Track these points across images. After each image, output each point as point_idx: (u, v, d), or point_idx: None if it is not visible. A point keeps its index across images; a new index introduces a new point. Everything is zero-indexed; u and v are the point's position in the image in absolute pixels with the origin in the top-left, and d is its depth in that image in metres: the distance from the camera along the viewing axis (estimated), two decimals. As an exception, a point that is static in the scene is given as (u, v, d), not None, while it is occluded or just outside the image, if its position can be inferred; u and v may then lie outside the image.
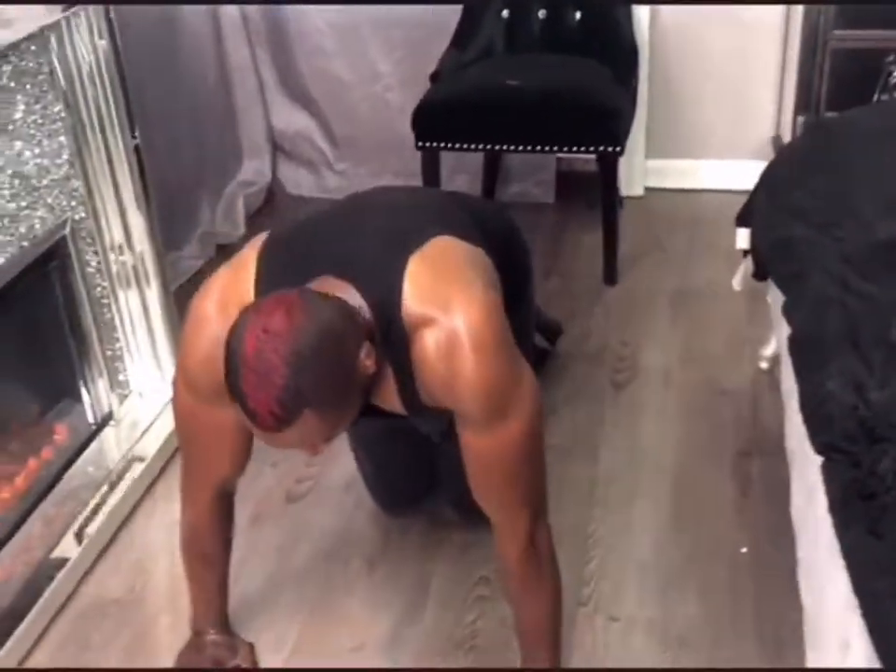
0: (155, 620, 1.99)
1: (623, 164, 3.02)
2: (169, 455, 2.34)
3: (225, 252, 3.30)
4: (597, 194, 2.98)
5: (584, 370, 2.62)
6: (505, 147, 2.88)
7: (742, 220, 2.32)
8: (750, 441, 2.33)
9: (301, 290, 1.37)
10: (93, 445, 2.28)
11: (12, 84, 1.93)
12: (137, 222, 2.33)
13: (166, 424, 2.35)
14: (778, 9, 3.18)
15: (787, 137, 3.27)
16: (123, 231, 2.32)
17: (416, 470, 2.15)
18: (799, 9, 3.08)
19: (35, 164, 2.01)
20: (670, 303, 2.90)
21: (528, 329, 2.07)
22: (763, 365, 2.55)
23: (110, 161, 2.25)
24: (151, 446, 2.32)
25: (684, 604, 1.92)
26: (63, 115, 2.10)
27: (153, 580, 2.08)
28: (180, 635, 1.88)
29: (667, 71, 3.34)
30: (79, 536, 2.08)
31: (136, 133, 2.25)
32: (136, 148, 2.27)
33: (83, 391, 2.28)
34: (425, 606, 1.98)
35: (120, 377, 2.38)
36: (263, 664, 1.87)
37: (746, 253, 2.34)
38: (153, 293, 2.41)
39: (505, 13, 3.12)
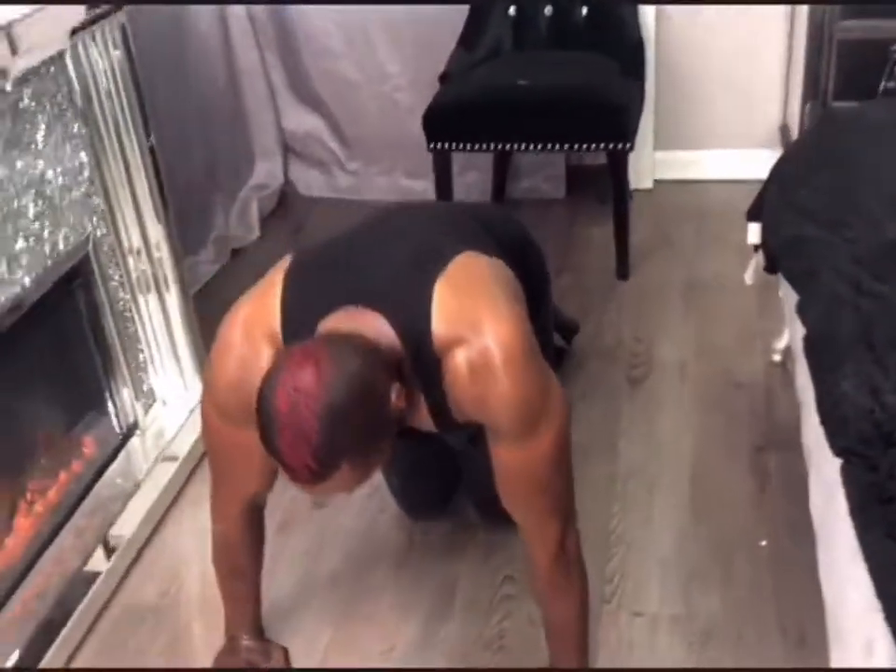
0: (190, 625, 2.04)
1: (631, 157, 3.04)
2: (195, 462, 2.39)
3: (240, 256, 3.35)
4: (607, 188, 3.01)
5: (600, 366, 2.65)
6: (516, 147, 2.90)
7: (753, 215, 2.34)
8: (766, 434, 2.36)
9: (328, 340, 1.39)
10: (121, 455, 2.32)
11: (33, 105, 1.96)
12: (155, 227, 2.35)
13: (191, 430, 2.40)
14: (783, 0, 3.20)
15: (795, 126, 3.29)
16: (142, 238, 2.35)
17: (440, 476, 2.20)
18: (804, 1, 3.10)
19: (57, 184, 2.05)
20: (682, 297, 2.93)
21: (548, 332, 2.11)
22: (776, 358, 2.58)
23: (127, 168, 2.26)
24: (178, 454, 2.36)
25: (707, 599, 1.96)
26: (82, 132, 2.13)
27: (186, 585, 2.13)
28: (215, 639, 1.92)
29: (674, 63, 3.35)
30: (112, 545, 2.12)
31: (151, 136, 2.27)
32: (152, 150, 2.28)
33: (109, 402, 2.32)
34: (452, 607, 2.02)
35: (144, 387, 2.42)
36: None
37: (757, 248, 2.36)
38: (173, 299, 2.44)
39: (512, 11, 3.14)
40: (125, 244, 2.32)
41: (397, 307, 1.46)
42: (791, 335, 2.14)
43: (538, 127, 2.84)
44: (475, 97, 2.90)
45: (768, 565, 2.02)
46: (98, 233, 2.19)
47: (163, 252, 2.38)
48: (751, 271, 2.43)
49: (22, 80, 1.88)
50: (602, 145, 2.81)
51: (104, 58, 2.16)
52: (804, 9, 3.09)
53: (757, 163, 3.33)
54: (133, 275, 2.36)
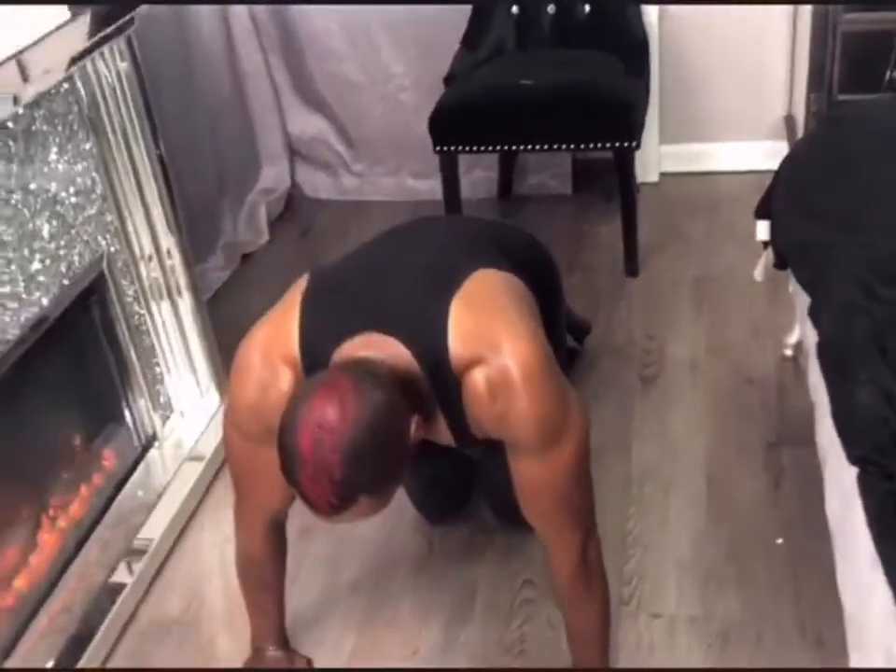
0: (215, 637, 2.07)
1: (637, 151, 3.04)
2: (214, 472, 2.42)
3: (250, 261, 3.36)
4: (614, 183, 3.01)
5: (612, 365, 2.67)
6: (522, 147, 2.91)
7: (761, 213, 2.35)
8: (779, 431, 2.38)
9: (351, 372, 1.40)
10: (140, 468, 2.35)
11: (45, 128, 1.98)
12: (166, 235, 2.36)
13: (209, 441, 2.43)
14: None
15: (800, 117, 3.29)
16: (153, 246, 2.36)
17: (458, 482, 2.23)
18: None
19: (70, 203, 2.06)
20: (692, 292, 2.94)
21: (562, 341, 2.13)
22: (788, 352, 2.60)
23: (137, 177, 2.27)
24: (196, 464, 2.39)
25: (724, 599, 1.98)
26: (93, 151, 2.14)
27: (209, 596, 2.15)
28: (241, 650, 1.95)
29: (678, 55, 3.35)
30: (135, 558, 2.15)
31: (160, 144, 2.28)
32: (161, 158, 2.29)
33: (127, 415, 2.34)
34: (472, 611, 2.04)
35: (161, 398, 2.44)
36: (322, 678, 1.95)
37: (766, 244, 2.37)
38: (186, 307, 2.45)
39: (514, 9, 3.14)
40: (137, 253, 2.34)
41: (414, 332, 1.48)
42: (803, 333, 2.15)
43: (543, 127, 2.85)
44: (480, 99, 2.90)
45: (785, 564, 2.04)
46: (112, 249, 2.21)
47: (175, 259, 2.39)
48: (761, 268, 2.44)
49: (34, 104, 1.90)
50: (608, 143, 2.81)
51: (111, 70, 2.17)
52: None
53: (763, 154, 3.37)
54: (147, 284, 2.38)
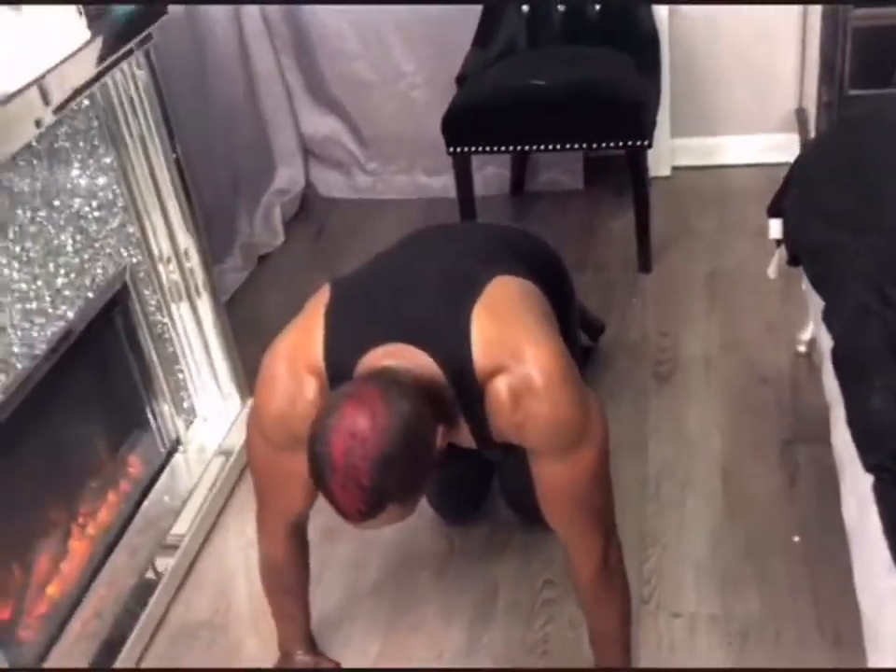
0: (243, 640, 2.10)
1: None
2: (237, 475, 2.46)
3: (266, 262, 3.39)
4: (626, 177, 3.03)
5: (626, 363, 2.70)
6: (535, 147, 2.93)
7: (774, 211, 2.37)
8: (794, 428, 2.40)
9: (381, 382, 1.44)
10: (165, 473, 2.39)
11: (67, 145, 2.01)
12: (185, 237, 2.39)
13: (232, 445, 2.47)
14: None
15: (811, 109, 3.30)
16: (172, 249, 2.39)
17: (476, 482, 2.26)
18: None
19: (93, 217, 2.10)
20: (705, 288, 2.96)
21: (575, 341, 2.15)
22: (801, 349, 2.62)
23: (155, 181, 2.29)
24: (220, 468, 2.43)
25: (743, 598, 2.01)
26: (114, 165, 2.17)
27: (236, 600, 2.20)
28: (268, 654, 1.99)
29: (689, 49, 3.36)
30: (162, 563, 2.19)
31: (177, 148, 2.31)
32: (178, 162, 2.32)
33: (151, 421, 2.38)
34: (494, 612, 2.08)
35: (185, 404, 2.48)
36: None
37: (779, 242, 2.39)
38: (206, 309, 2.47)
39: (525, 8, 3.16)
40: (157, 260, 2.37)
41: (438, 342, 1.52)
42: (816, 333, 2.18)
43: (556, 127, 2.86)
44: (492, 100, 2.92)
45: (802, 561, 2.07)
46: (134, 261, 2.25)
47: (194, 261, 2.42)
48: (774, 265, 2.46)
49: (56, 123, 1.93)
50: (621, 143, 2.83)
51: (128, 78, 2.20)
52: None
53: (774, 147, 3.39)
54: (167, 289, 2.41)
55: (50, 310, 1.97)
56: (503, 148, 2.96)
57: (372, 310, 1.60)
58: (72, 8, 1.92)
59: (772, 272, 2.48)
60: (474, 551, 2.23)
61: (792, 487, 2.25)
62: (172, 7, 2.21)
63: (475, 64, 3.09)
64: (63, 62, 1.80)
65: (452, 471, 2.16)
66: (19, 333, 1.86)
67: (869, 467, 1.49)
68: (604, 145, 2.85)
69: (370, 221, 3.54)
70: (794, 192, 2.22)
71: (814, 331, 2.38)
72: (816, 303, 2.06)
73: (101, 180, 2.13)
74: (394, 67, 3.45)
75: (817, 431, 2.22)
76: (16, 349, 1.85)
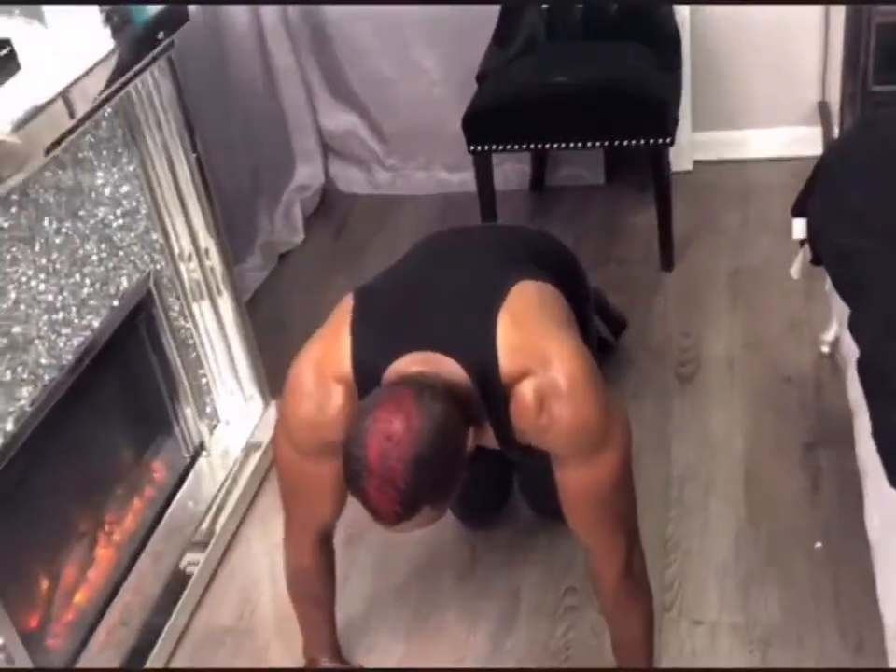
0: (267, 646, 2.12)
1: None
2: (261, 479, 2.47)
3: (287, 260, 3.40)
4: (647, 172, 3.02)
5: (649, 364, 2.69)
6: (556, 146, 2.91)
7: (797, 211, 2.35)
8: (817, 430, 2.39)
9: (413, 388, 1.45)
10: (190, 478, 2.40)
11: (91, 154, 2.02)
12: (205, 236, 2.39)
13: (255, 448, 2.49)
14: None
15: (835, 103, 3.27)
16: (194, 249, 2.39)
17: (496, 484, 2.27)
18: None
19: (117, 226, 2.10)
20: (728, 286, 2.94)
21: (592, 337, 2.15)
22: (825, 349, 2.60)
23: (177, 185, 2.29)
24: (244, 472, 2.44)
25: (765, 604, 2.02)
26: (137, 172, 2.18)
27: (260, 605, 2.21)
28: (294, 658, 2.01)
29: (710, 42, 3.33)
30: (187, 568, 2.21)
31: (198, 148, 2.31)
32: (199, 163, 2.32)
33: (175, 426, 2.39)
34: (517, 618, 2.09)
35: (208, 409, 2.50)
36: (373, 686, 2.01)
37: (802, 242, 2.38)
38: (227, 310, 2.48)
39: (544, 4, 3.14)
40: (180, 263, 2.37)
41: (464, 349, 1.54)
42: (840, 335, 2.17)
43: (578, 125, 2.84)
44: (513, 98, 2.90)
45: (825, 567, 2.07)
46: (157, 267, 2.26)
47: (215, 260, 2.42)
48: (798, 266, 2.44)
49: (81, 134, 1.93)
50: (643, 140, 2.81)
51: (151, 84, 2.19)
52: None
53: (796, 141, 3.37)
54: (189, 290, 2.42)
55: (76, 320, 1.98)
56: (524, 147, 2.94)
57: (398, 318, 1.62)
58: (97, 19, 1.93)
59: (795, 272, 2.47)
60: (496, 556, 2.24)
61: (815, 492, 2.25)
62: (191, 7, 2.21)
63: (495, 62, 3.07)
64: (87, 73, 1.80)
65: (472, 476, 2.17)
66: (46, 344, 1.88)
67: (894, 482, 1.49)
68: (626, 143, 2.83)
69: (389, 217, 3.54)
70: (818, 193, 2.20)
71: (837, 332, 2.38)
72: (840, 306, 2.05)
73: (124, 188, 2.14)
74: (414, 64, 3.43)
75: (839, 433, 2.21)
76: (43, 360, 1.87)
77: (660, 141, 2.82)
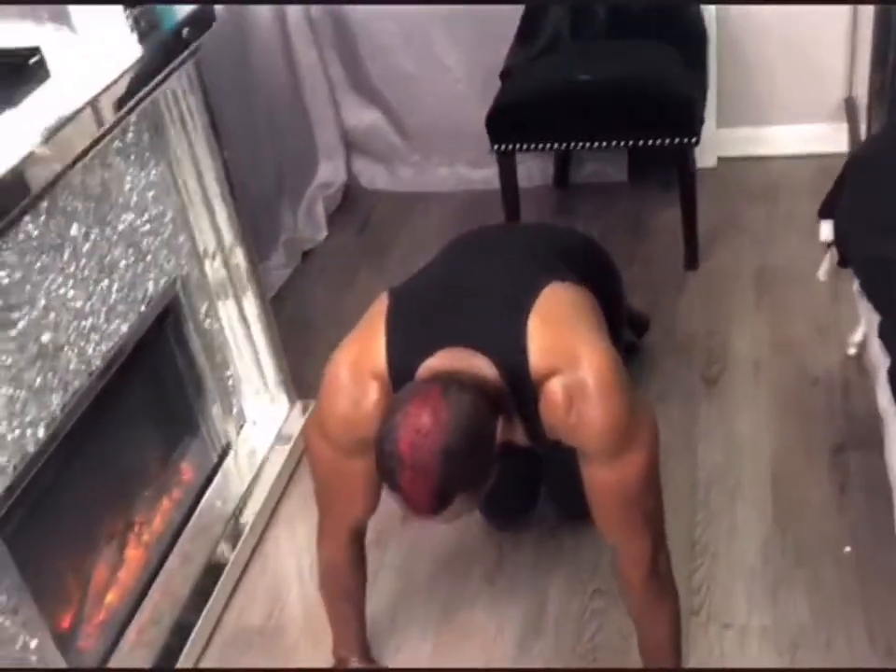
0: (296, 646, 2.13)
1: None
2: (288, 478, 2.49)
3: (310, 258, 3.40)
4: (671, 169, 3.00)
5: (675, 365, 2.68)
6: (581, 146, 2.89)
7: (824, 213, 2.34)
8: (844, 433, 2.38)
9: (442, 383, 1.49)
10: (217, 478, 2.42)
11: (118, 160, 2.03)
12: (230, 234, 2.40)
13: (282, 447, 2.51)
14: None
15: (862, 99, 3.24)
16: (219, 248, 2.40)
17: (525, 485, 2.27)
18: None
19: (144, 231, 2.11)
20: (753, 285, 2.93)
21: (620, 336, 2.16)
22: (852, 351, 2.59)
23: (203, 186, 2.30)
24: (270, 471, 2.46)
25: (794, 608, 2.01)
26: (164, 176, 2.19)
27: (289, 605, 2.22)
28: (323, 658, 2.02)
29: (735, 38, 3.30)
30: (216, 568, 2.23)
31: (223, 148, 2.31)
32: (224, 162, 2.32)
33: (202, 427, 2.41)
34: (544, 621, 2.09)
35: (234, 409, 2.51)
36: (401, 687, 2.02)
37: (829, 244, 2.36)
38: (252, 309, 2.48)
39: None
40: (206, 265, 2.38)
41: (496, 347, 1.57)
42: (868, 337, 2.15)
43: (603, 124, 2.83)
44: (537, 97, 2.89)
45: (854, 571, 2.06)
46: (184, 272, 2.27)
47: (239, 258, 2.42)
48: (824, 268, 2.43)
49: (109, 140, 1.94)
50: (668, 140, 2.80)
51: (178, 94, 2.20)
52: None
53: (822, 137, 3.34)
54: (214, 291, 2.43)
55: (105, 326, 1.99)
56: (549, 146, 2.93)
57: (431, 317, 1.66)
58: (125, 24, 1.94)
59: (822, 274, 2.46)
60: (524, 558, 2.25)
61: (842, 495, 2.24)
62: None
63: (519, 59, 3.06)
64: (116, 81, 1.81)
65: (502, 476, 2.17)
66: (75, 351, 1.89)
67: (926, 494, 1.48)
68: (651, 142, 2.82)
69: (412, 214, 3.54)
70: (847, 196, 2.18)
71: (865, 333, 2.36)
72: (867, 308, 2.04)
73: (151, 192, 2.14)
74: (437, 61, 3.42)
75: (867, 436, 2.21)
76: (72, 367, 1.88)
77: (685, 140, 2.80)
